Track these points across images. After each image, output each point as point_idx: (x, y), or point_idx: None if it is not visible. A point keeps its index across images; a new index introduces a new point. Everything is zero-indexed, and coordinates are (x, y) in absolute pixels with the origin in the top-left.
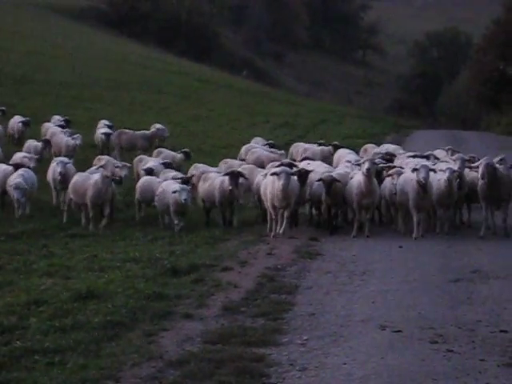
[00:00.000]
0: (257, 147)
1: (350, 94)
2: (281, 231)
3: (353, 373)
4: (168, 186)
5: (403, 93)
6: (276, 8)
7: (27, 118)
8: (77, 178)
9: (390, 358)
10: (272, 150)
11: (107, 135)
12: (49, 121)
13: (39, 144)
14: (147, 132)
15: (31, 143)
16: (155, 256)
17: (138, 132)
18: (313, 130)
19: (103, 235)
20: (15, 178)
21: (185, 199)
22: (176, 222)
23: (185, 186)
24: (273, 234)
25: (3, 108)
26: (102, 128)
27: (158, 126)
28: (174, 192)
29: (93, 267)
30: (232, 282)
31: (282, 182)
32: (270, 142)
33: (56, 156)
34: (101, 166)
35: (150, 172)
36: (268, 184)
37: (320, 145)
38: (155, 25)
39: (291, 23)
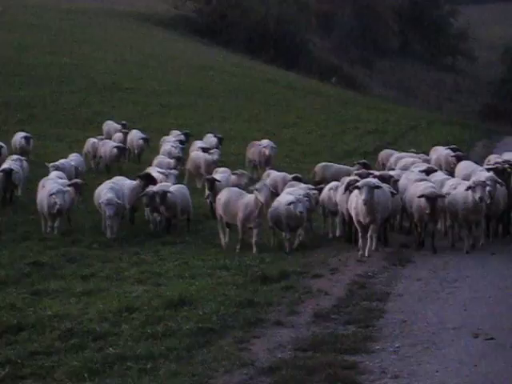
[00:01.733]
0: (404, 154)
1: (440, 100)
2: (365, 253)
3: (446, 381)
4: (283, 198)
5: (494, 98)
6: (365, 14)
7: (147, 135)
8: (230, 194)
9: (483, 366)
10: (420, 155)
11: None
12: (167, 134)
13: (171, 161)
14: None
15: (162, 159)
16: (245, 263)
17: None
18: (402, 136)
19: (194, 243)
20: (106, 193)
21: (300, 211)
22: (288, 236)
23: (302, 197)
24: (360, 253)
25: (124, 122)
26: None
27: (266, 141)
28: (289, 204)
29: (184, 274)
30: (323, 289)
31: (363, 197)
32: (413, 150)
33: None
34: None
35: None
36: (352, 199)
37: (454, 150)
38: (244, 33)
39: (380, 29)
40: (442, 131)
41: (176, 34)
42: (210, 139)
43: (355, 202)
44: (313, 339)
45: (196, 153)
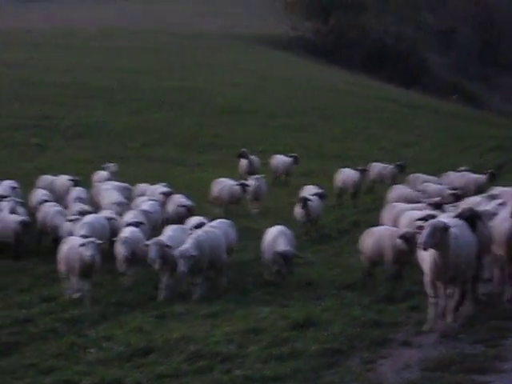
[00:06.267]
0: None
1: None
2: (429, 326)
3: None
4: None
5: None
6: (484, 30)
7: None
8: None
9: None
10: None
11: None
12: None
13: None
14: None
15: (403, 190)
16: (371, 284)
17: None
18: None
19: (318, 263)
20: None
21: None
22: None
23: None
24: (429, 325)
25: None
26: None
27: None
28: None
29: (309, 295)
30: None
31: (421, 239)
32: None
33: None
34: None
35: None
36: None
37: None
38: (362, 52)
39: (500, 44)
40: None
41: (293, 55)
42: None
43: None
44: (440, 359)
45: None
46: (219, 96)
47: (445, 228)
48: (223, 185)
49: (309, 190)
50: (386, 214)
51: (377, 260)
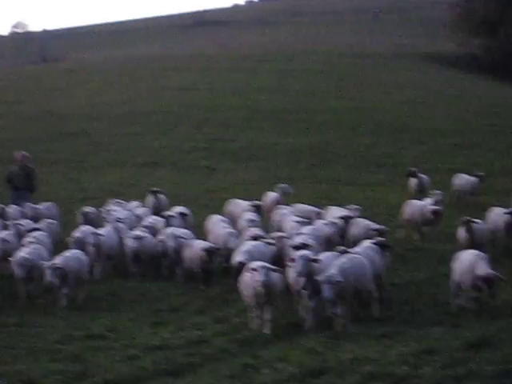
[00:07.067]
0: None
1: None
2: None
3: None
4: None
5: None
6: None
7: None
8: None
9: None
10: None
11: None
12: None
13: None
14: None
15: None
16: None
17: None
18: None
19: None
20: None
21: None
22: None
23: None
24: None
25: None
26: None
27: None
28: None
29: (483, 314)
30: None
31: None
32: None
33: None
34: None
35: None
36: None
37: None
38: None
39: None
40: None
41: (462, 73)
42: None
43: None
44: None
45: None
46: (388, 115)
47: None
48: (415, 207)
49: (497, 212)
50: None
51: None
